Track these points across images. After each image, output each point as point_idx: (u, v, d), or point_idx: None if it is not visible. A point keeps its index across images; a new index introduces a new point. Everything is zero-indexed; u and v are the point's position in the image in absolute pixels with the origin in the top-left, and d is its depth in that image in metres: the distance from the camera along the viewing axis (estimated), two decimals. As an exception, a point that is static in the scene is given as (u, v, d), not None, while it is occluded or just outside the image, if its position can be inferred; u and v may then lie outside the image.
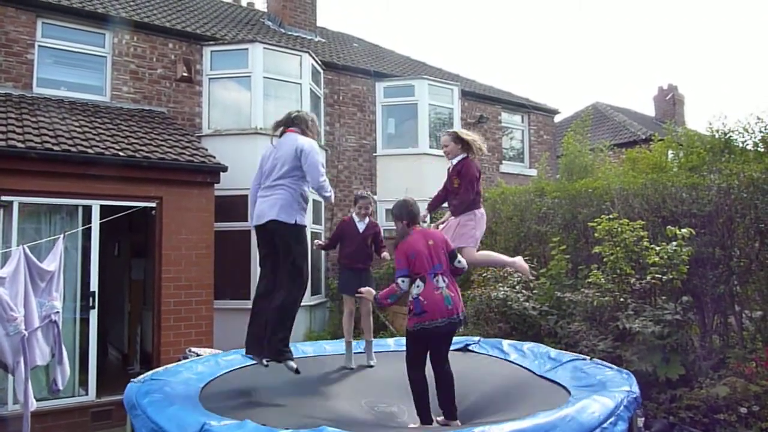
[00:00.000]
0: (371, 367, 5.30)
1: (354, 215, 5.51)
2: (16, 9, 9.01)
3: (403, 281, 3.96)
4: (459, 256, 4.23)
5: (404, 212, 4.17)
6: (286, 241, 4.28)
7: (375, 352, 5.54)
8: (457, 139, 4.97)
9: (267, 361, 4.40)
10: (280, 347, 4.29)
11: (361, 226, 5.44)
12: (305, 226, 4.41)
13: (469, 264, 4.74)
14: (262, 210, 4.35)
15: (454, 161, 4.98)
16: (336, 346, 5.81)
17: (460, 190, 4.88)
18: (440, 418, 4.05)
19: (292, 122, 4.54)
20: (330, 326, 10.60)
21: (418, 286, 3.94)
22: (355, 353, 5.40)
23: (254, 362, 4.58)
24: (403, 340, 6.14)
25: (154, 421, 3.36)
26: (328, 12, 49.98)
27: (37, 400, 6.60)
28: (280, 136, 4.55)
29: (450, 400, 4.03)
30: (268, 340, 4.30)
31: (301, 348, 5.72)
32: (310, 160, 4.26)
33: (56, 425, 6.86)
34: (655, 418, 5.22)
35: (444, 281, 3.98)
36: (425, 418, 3.96)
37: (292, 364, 4.37)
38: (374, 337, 5.73)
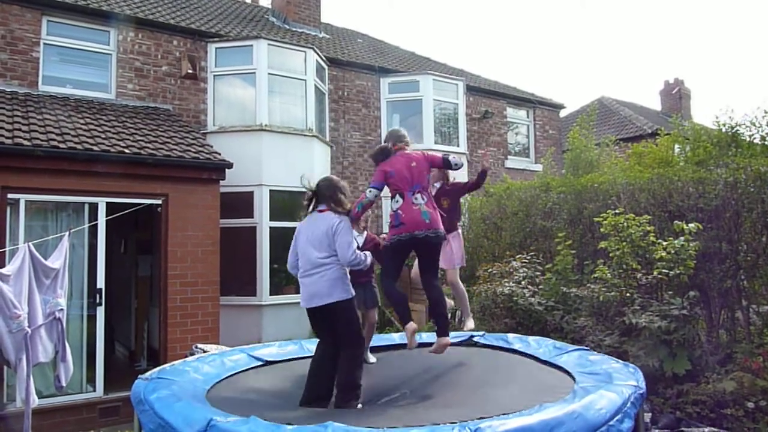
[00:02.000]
0: (371, 363, 5.34)
1: (353, 231, 5.47)
2: (21, 7, 9.03)
3: (370, 191, 4.32)
4: (449, 158, 4.51)
5: (391, 135, 4.59)
6: (346, 316, 4.25)
7: (380, 345, 5.63)
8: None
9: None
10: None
11: (360, 240, 5.40)
12: (352, 299, 4.33)
13: (451, 283, 5.27)
14: (313, 291, 4.24)
15: (437, 185, 5.19)
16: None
17: (450, 210, 5.08)
18: (432, 345, 4.35)
19: (319, 198, 4.43)
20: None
21: (397, 201, 4.26)
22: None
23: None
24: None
25: (162, 417, 3.37)
26: (333, 8, 49.97)
27: (45, 397, 6.66)
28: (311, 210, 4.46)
29: (441, 314, 4.36)
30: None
31: (306, 346, 5.73)
32: (342, 240, 4.20)
33: (64, 421, 6.91)
34: (661, 413, 5.21)
35: (423, 198, 4.26)
36: (406, 318, 4.28)
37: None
38: (381, 333, 5.76)
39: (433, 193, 4.92)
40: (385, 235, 4.79)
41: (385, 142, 4.57)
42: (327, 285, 4.17)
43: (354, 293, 4.32)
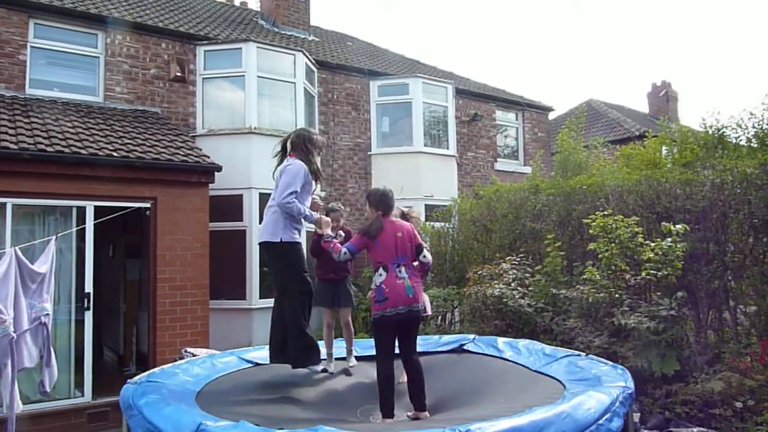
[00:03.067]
0: (352, 367, 5.32)
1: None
2: (7, 10, 8.95)
3: (345, 253, 4.20)
4: (425, 251, 4.38)
5: (381, 203, 4.29)
6: (273, 259, 4.59)
7: (371, 355, 5.56)
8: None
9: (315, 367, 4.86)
10: (297, 355, 4.54)
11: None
12: (294, 243, 4.55)
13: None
14: (261, 228, 4.63)
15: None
16: (334, 350, 5.78)
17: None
18: (410, 413, 4.14)
19: (291, 146, 4.73)
20: (333, 335, 10.58)
21: (380, 275, 4.10)
22: (338, 359, 5.43)
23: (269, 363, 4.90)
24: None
25: (151, 422, 3.35)
26: (322, 11, 49.94)
27: (33, 402, 6.59)
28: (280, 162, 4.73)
29: (421, 391, 4.16)
30: (289, 351, 4.58)
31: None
32: (282, 180, 4.44)
33: (52, 427, 6.83)
34: (650, 414, 5.24)
35: (407, 272, 4.14)
36: (389, 410, 4.03)
37: (315, 368, 4.81)
38: (371, 337, 5.72)
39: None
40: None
41: (371, 205, 4.35)
42: (263, 224, 4.51)
43: (295, 240, 4.51)
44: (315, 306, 4.93)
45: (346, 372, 5.23)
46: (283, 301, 4.56)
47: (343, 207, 5.96)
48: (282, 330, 4.57)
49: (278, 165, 4.69)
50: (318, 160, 4.76)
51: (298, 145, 4.65)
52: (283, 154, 4.73)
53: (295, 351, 4.52)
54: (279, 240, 4.44)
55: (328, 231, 4.39)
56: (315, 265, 5.44)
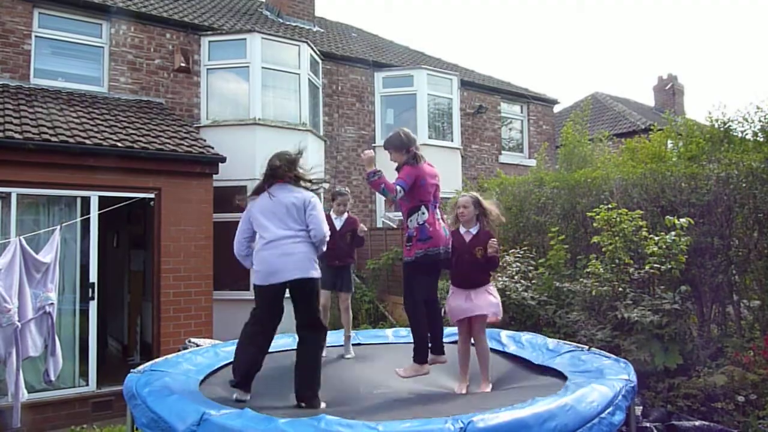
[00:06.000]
0: (349, 358, 5.33)
1: (332, 212, 5.40)
2: (12, -1, 8.97)
3: (401, 190, 3.99)
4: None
5: (409, 140, 4.21)
6: (306, 296, 4.01)
7: (373, 344, 5.58)
8: (478, 205, 4.47)
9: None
10: (312, 394, 3.97)
11: (338, 223, 5.37)
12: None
13: (478, 347, 4.42)
14: (280, 265, 3.93)
15: (473, 230, 4.42)
16: (333, 337, 5.81)
17: (484, 262, 4.37)
18: (431, 358, 4.20)
19: (277, 174, 4.11)
20: (329, 318, 10.62)
21: (423, 213, 4.04)
22: (335, 346, 5.46)
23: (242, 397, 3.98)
24: (402, 331, 6.21)
25: (154, 411, 3.37)
26: (326, 2, 49.76)
27: (38, 391, 6.65)
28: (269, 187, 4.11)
29: (441, 336, 4.22)
30: (301, 388, 3.99)
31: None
32: (316, 217, 3.99)
33: (57, 416, 6.89)
34: (652, 407, 5.23)
35: (440, 215, 4.17)
36: (423, 356, 4.04)
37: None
38: (375, 328, 5.74)
39: (467, 239, 4.38)
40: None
41: (400, 148, 4.17)
42: (300, 258, 3.91)
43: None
44: None
45: (344, 357, 5.27)
46: (308, 338, 4.06)
47: (349, 191, 5.91)
48: (257, 355, 4.01)
49: (264, 189, 4.09)
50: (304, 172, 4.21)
51: (287, 174, 4.07)
52: (268, 183, 4.10)
53: (311, 389, 3.94)
54: (316, 276, 4.01)
55: (372, 166, 4.04)
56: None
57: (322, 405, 3.84)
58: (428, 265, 4.07)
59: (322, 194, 4.92)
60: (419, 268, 4.07)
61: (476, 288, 4.30)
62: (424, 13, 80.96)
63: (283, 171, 4.05)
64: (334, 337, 5.56)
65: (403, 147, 4.17)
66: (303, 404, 3.84)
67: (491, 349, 5.23)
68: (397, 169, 4.27)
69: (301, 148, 4.24)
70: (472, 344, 4.41)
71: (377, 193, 12.14)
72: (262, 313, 4.04)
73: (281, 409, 3.65)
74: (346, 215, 5.43)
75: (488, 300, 4.29)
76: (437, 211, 4.15)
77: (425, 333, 4.08)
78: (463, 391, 4.24)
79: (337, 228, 5.33)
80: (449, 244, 4.17)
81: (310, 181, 4.16)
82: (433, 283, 4.26)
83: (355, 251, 5.54)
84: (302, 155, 4.19)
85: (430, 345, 4.22)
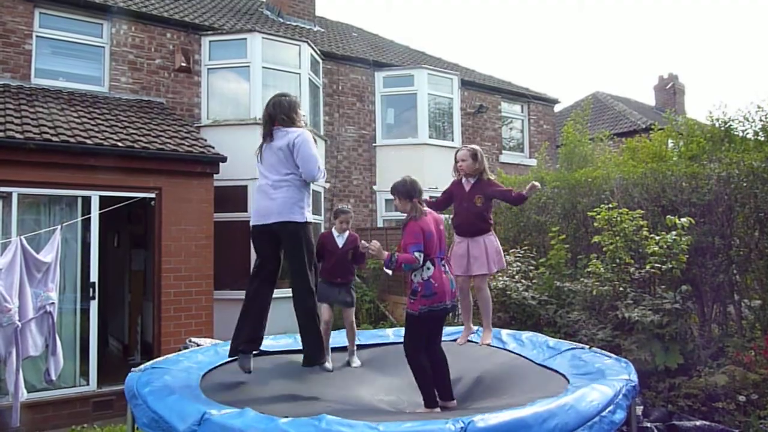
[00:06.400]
0: (355, 367, 5.32)
1: (333, 230, 5.38)
2: (13, -1, 8.97)
3: (419, 254, 3.93)
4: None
5: (415, 190, 4.14)
6: (293, 241, 4.09)
7: (374, 344, 5.59)
8: (476, 157, 4.71)
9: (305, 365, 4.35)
10: (313, 353, 4.22)
11: (340, 241, 5.34)
12: (310, 223, 4.22)
13: (477, 294, 4.81)
14: (265, 208, 4.11)
15: (472, 180, 4.72)
16: (336, 338, 5.82)
17: (483, 210, 4.69)
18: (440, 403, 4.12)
19: (275, 118, 4.22)
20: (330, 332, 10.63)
21: (428, 269, 3.99)
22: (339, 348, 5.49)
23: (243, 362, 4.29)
24: (402, 330, 6.19)
25: (155, 411, 3.37)
26: (327, 1, 49.76)
27: (38, 391, 6.65)
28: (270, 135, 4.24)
29: (449, 382, 4.17)
30: (304, 347, 4.24)
31: (299, 339, 5.74)
32: (304, 152, 4.04)
33: (57, 415, 6.90)
34: (653, 407, 5.23)
35: (446, 266, 4.13)
36: (433, 401, 4.01)
37: (327, 365, 4.57)
38: (375, 327, 5.74)
39: (467, 188, 4.70)
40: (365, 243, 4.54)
41: (404, 197, 4.13)
42: (281, 202, 4.01)
43: (312, 220, 4.18)
44: (318, 302, 4.66)
45: (349, 364, 5.26)
46: (300, 289, 4.18)
47: (351, 209, 5.87)
48: (258, 318, 4.23)
49: (268, 139, 4.21)
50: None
51: (285, 117, 4.18)
52: (270, 126, 4.22)
53: (312, 348, 4.20)
54: (304, 220, 4.07)
55: (384, 254, 4.01)
56: (321, 269, 5.25)
57: (327, 365, 4.36)
58: (430, 320, 4.06)
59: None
60: (422, 323, 4.06)
61: (475, 236, 4.63)
62: (424, 12, 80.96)
63: (276, 114, 4.19)
64: (334, 338, 5.56)
65: (407, 195, 4.14)
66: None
67: (492, 346, 5.25)
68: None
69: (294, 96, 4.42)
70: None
71: (376, 194, 12.23)
72: (257, 258, 4.28)
73: (282, 409, 3.64)
74: (347, 233, 5.41)
75: (483, 257, 4.61)
76: (443, 264, 4.10)
77: (430, 381, 4.05)
78: (463, 342, 4.76)
79: (339, 246, 5.30)
80: (456, 297, 4.18)
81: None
82: (436, 335, 4.24)
83: (355, 268, 5.55)
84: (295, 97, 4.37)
85: (439, 392, 4.18)
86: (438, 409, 4.03)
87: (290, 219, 4.03)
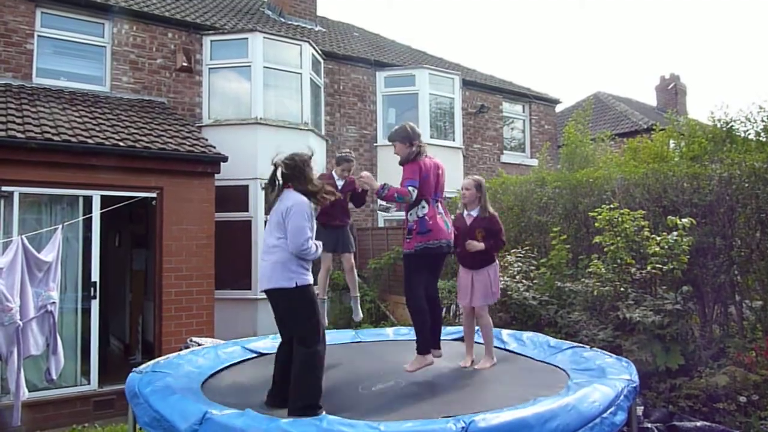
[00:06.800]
0: (358, 322, 5.38)
1: (334, 173, 5.54)
2: (15, -1, 8.97)
3: (413, 189, 4.01)
4: None
5: (415, 134, 4.22)
6: (286, 307, 3.82)
7: (374, 341, 5.60)
8: (479, 188, 4.78)
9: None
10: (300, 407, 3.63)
11: (339, 183, 5.48)
12: (309, 285, 3.82)
13: (478, 320, 4.84)
14: (261, 273, 3.92)
15: (474, 213, 4.78)
16: (335, 336, 5.83)
17: (486, 243, 4.66)
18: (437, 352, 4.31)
19: (284, 178, 3.96)
20: (331, 316, 10.63)
21: (423, 207, 4.10)
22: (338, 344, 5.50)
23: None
24: (402, 329, 6.21)
25: (156, 410, 3.38)
26: (328, 1, 49.75)
27: (39, 390, 6.65)
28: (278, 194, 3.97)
29: (440, 330, 4.35)
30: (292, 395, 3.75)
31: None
32: (293, 224, 3.75)
33: (58, 414, 6.90)
34: (654, 407, 5.23)
35: (442, 209, 4.21)
36: (426, 346, 4.10)
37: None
38: (376, 327, 5.76)
39: (468, 222, 4.75)
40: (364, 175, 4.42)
41: (404, 140, 4.18)
42: (270, 268, 3.78)
43: (309, 282, 3.81)
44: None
45: (352, 318, 5.33)
46: (298, 350, 3.77)
47: (355, 158, 5.94)
48: (284, 372, 3.82)
49: (274, 198, 3.95)
50: (315, 174, 4.05)
51: (292, 175, 3.91)
52: (272, 186, 3.97)
53: (301, 401, 3.60)
54: (294, 285, 3.73)
55: (376, 183, 4.05)
56: (319, 211, 5.19)
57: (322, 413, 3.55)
58: (428, 258, 4.11)
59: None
60: (419, 260, 4.12)
61: (478, 269, 4.69)
62: (425, 12, 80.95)
63: (286, 177, 3.94)
64: (335, 336, 5.56)
65: (408, 139, 4.22)
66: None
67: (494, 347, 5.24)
68: (401, 163, 4.29)
69: (311, 151, 4.06)
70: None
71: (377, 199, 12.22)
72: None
73: (283, 409, 3.64)
74: (346, 178, 5.53)
75: (485, 289, 4.69)
76: (438, 205, 4.20)
77: (426, 325, 4.13)
78: (468, 365, 4.63)
79: (339, 187, 5.43)
80: (451, 238, 4.24)
81: (314, 193, 3.93)
82: (433, 277, 4.34)
83: (352, 214, 5.64)
84: (311, 158, 4.01)
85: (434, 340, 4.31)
86: (429, 356, 4.14)
87: (277, 286, 3.76)
